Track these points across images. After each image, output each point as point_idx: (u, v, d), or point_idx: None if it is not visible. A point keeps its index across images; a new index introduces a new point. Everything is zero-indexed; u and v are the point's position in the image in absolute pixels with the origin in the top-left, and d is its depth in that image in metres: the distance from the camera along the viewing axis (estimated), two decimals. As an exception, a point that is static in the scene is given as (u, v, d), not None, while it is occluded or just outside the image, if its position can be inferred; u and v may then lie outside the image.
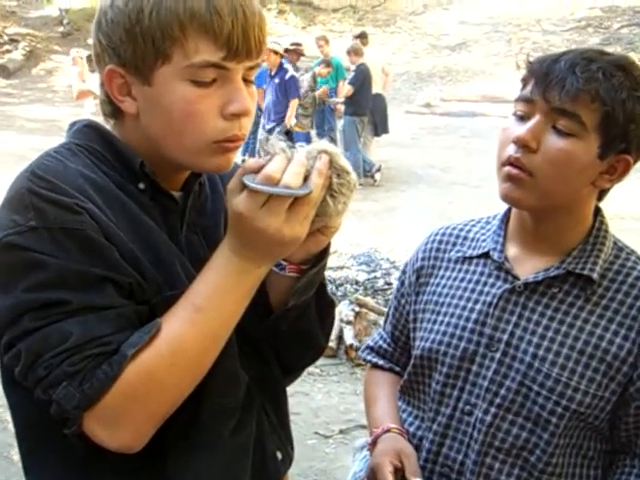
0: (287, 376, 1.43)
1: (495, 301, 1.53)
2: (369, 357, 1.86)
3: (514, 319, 1.52)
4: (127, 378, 1.06)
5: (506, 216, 1.62)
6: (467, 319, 1.57)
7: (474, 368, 1.54)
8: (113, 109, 1.21)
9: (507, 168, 1.44)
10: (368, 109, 10.92)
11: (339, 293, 6.06)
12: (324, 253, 1.25)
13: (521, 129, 1.43)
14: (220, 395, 1.23)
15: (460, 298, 1.60)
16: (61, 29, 20.26)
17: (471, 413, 1.54)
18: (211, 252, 1.16)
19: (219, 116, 1.14)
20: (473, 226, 1.70)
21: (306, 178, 1.09)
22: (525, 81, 1.48)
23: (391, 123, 11.63)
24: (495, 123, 14.77)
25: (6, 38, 19.66)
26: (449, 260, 1.67)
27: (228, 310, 1.13)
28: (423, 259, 1.71)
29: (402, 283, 1.77)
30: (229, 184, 1.11)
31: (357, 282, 6.33)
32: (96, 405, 1.05)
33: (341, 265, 6.75)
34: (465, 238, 1.68)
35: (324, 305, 1.36)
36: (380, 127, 11.28)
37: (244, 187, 1.07)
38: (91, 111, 9.55)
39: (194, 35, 1.10)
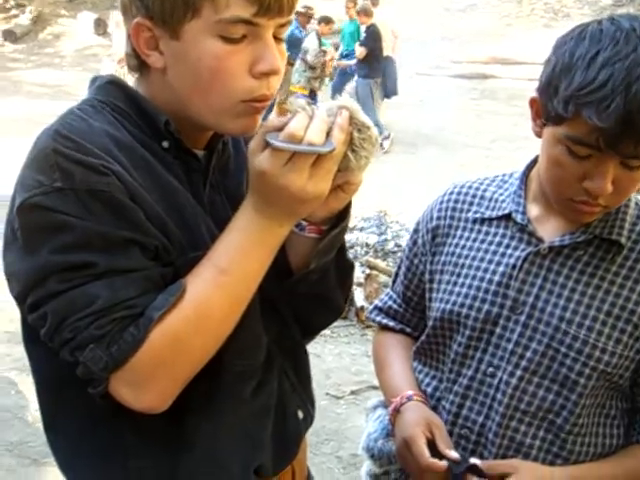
0: (306, 337, 1.44)
1: (519, 263, 1.51)
2: (378, 318, 1.83)
3: (539, 282, 1.50)
4: (153, 340, 1.06)
5: (525, 175, 1.59)
6: (490, 281, 1.55)
7: (498, 330, 1.53)
8: (139, 63, 1.19)
9: (580, 206, 1.41)
10: (380, 71, 10.84)
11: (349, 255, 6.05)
12: (345, 213, 1.24)
13: (598, 183, 1.35)
14: (242, 356, 1.24)
15: (482, 260, 1.58)
16: (67, -7, 20.10)
17: (494, 375, 1.53)
18: (234, 212, 1.15)
19: (248, 74, 1.12)
20: (489, 185, 1.66)
21: (328, 134, 1.08)
22: (575, 115, 1.31)
23: (400, 85, 11.53)
24: (506, 85, 14.65)
25: (12, 3, 19.53)
26: (466, 220, 1.64)
27: (251, 270, 1.13)
28: (439, 218, 1.68)
29: (415, 242, 1.74)
30: (251, 143, 1.10)
31: (367, 244, 6.32)
32: (123, 367, 1.06)
33: (351, 227, 6.74)
34: (482, 197, 1.65)
35: (344, 267, 1.36)
36: (390, 89, 11.19)
37: (267, 145, 1.07)
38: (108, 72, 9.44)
39: None
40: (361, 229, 6.74)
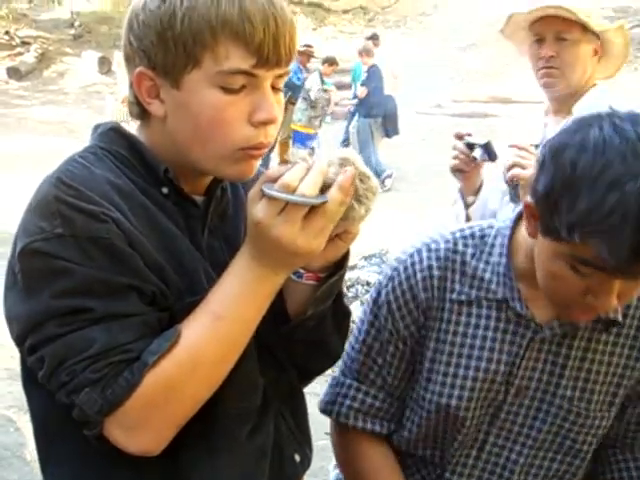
0: (304, 381, 1.45)
1: (522, 352, 1.49)
2: (361, 424, 1.58)
3: (541, 366, 1.50)
4: (147, 385, 1.08)
5: (508, 250, 1.49)
6: (495, 372, 1.50)
7: (502, 415, 1.54)
8: (140, 110, 1.22)
9: (578, 314, 1.38)
10: (381, 110, 10.94)
11: (350, 294, 6.06)
12: (343, 262, 1.26)
13: (603, 301, 1.31)
14: (238, 399, 1.25)
15: (481, 349, 1.50)
16: (72, 31, 20.30)
17: (499, 455, 1.55)
18: (231, 257, 1.17)
19: (246, 123, 1.15)
20: (466, 254, 1.53)
21: (328, 186, 1.09)
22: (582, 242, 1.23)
23: (401, 124, 11.62)
24: (506, 123, 14.74)
25: (18, 40, 19.73)
26: (452, 301, 1.52)
27: (246, 317, 1.15)
28: (428, 299, 1.52)
29: (392, 319, 1.53)
30: (250, 192, 1.12)
31: (368, 283, 6.33)
32: (117, 410, 1.08)
33: (352, 266, 6.75)
34: (464, 274, 1.52)
35: (341, 314, 1.37)
36: (391, 128, 11.29)
37: (263, 195, 1.08)
38: (112, 111, 9.45)
39: (225, 42, 1.11)
40: (362, 267, 6.75)
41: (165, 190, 1.22)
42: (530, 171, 2.12)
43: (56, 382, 1.09)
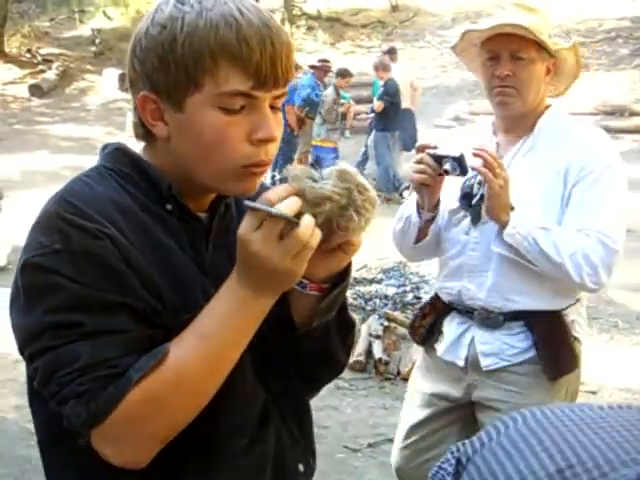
0: (309, 391, 1.47)
1: None
2: None
3: None
4: (131, 400, 1.12)
5: None
6: None
7: None
8: (145, 132, 1.26)
9: None
10: (398, 124, 10.97)
11: (368, 307, 6.08)
12: (345, 274, 1.29)
13: None
14: (233, 414, 1.28)
15: None
16: (93, 49, 20.53)
17: None
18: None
19: (246, 142, 1.19)
20: None
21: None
22: None
23: (420, 137, 11.64)
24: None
25: (40, 58, 19.96)
26: None
27: (231, 339, 1.18)
28: None
29: None
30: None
31: (386, 296, 6.34)
32: (102, 423, 1.12)
33: (370, 279, 6.77)
34: None
35: (346, 325, 1.40)
36: (409, 142, 11.31)
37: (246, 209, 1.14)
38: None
39: (224, 65, 1.15)
40: (380, 281, 6.76)
41: (169, 207, 1.26)
42: (500, 183, 2.17)
43: (47, 392, 1.15)
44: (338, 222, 1.16)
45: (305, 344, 1.33)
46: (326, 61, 11.93)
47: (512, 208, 2.26)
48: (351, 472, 4.00)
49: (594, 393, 4.86)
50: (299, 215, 1.12)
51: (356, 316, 5.29)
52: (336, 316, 1.34)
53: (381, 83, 11.19)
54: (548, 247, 2.25)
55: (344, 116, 11.82)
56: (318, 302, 1.29)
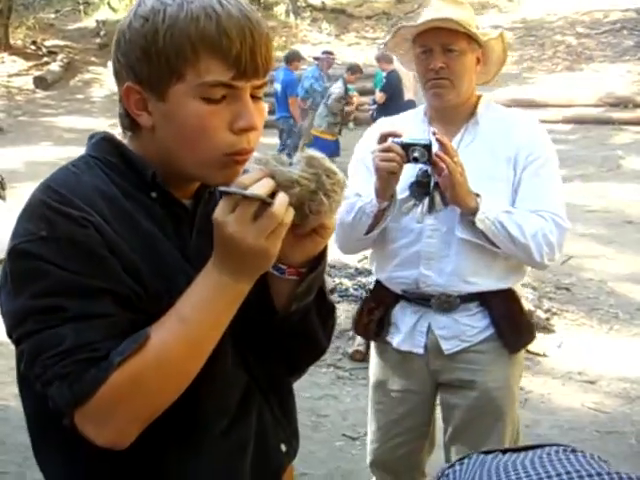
0: (292, 374, 1.51)
1: None
2: None
3: None
4: (113, 382, 1.15)
5: None
6: None
7: None
8: (130, 122, 1.30)
9: None
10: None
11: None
12: (321, 258, 1.32)
13: None
14: (214, 397, 1.32)
15: None
16: (98, 41, 20.50)
17: None
18: None
19: (228, 130, 1.22)
20: None
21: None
22: None
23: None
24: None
25: (44, 50, 20.01)
26: None
27: (210, 322, 1.21)
28: None
29: None
30: None
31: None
32: (84, 405, 1.15)
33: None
34: None
35: (325, 309, 1.43)
36: (412, 133, 11.32)
37: (221, 194, 1.18)
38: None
39: (205, 56, 1.18)
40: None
41: (154, 194, 1.30)
42: (460, 170, 2.29)
43: (32, 374, 1.19)
44: (310, 206, 1.20)
45: (286, 327, 1.37)
46: (330, 53, 11.95)
47: (478, 195, 2.35)
48: (349, 460, 4.04)
49: (592, 383, 4.88)
50: (272, 196, 1.15)
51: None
52: (316, 300, 1.38)
53: (384, 74, 11.20)
54: (514, 230, 2.36)
55: (347, 112, 11.82)
56: (297, 286, 1.32)
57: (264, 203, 1.14)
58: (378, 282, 2.68)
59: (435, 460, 2.91)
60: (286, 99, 11.33)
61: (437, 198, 2.38)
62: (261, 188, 1.15)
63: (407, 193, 2.42)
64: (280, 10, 22.37)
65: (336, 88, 11.06)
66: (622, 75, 16.38)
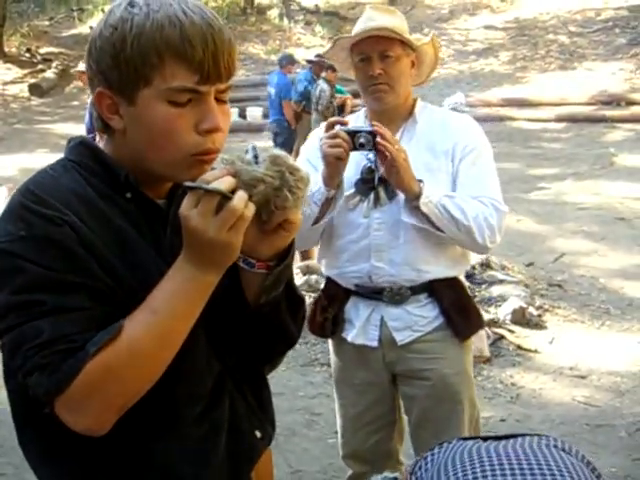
0: (265, 364, 1.58)
1: None
2: None
3: None
4: (89, 371, 1.22)
5: None
6: None
7: None
8: (104, 125, 1.37)
9: None
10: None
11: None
12: (288, 251, 1.38)
13: None
14: (187, 385, 1.38)
15: None
16: (93, 47, 20.54)
17: None
18: None
19: (194, 132, 1.30)
20: None
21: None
22: None
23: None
24: (521, 126, 14.79)
25: (39, 58, 20.07)
26: None
27: (179, 313, 1.28)
28: None
29: None
30: None
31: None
32: (63, 393, 1.22)
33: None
34: None
35: (294, 301, 1.50)
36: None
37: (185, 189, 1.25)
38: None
39: (170, 62, 1.25)
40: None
41: (128, 195, 1.36)
42: (403, 155, 2.42)
43: (14, 365, 1.25)
44: (275, 202, 1.26)
45: (257, 319, 1.43)
46: (322, 56, 11.92)
47: (421, 181, 2.46)
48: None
49: (583, 377, 4.93)
50: (234, 192, 1.22)
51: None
52: (285, 293, 1.45)
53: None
54: (456, 212, 2.47)
55: (342, 109, 11.83)
56: (266, 279, 1.38)
57: (225, 197, 1.20)
58: (329, 279, 2.77)
59: (409, 449, 2.99)
60: (280, 102, 11.36)
61: (382, 193, 2.51)
62: (222, 184, 1.21)
63: (353, 190, 2.54)
64: (274, 14, 22.45)
65: (322, 92, 11.01)
66: (614, 73, 16.45)
